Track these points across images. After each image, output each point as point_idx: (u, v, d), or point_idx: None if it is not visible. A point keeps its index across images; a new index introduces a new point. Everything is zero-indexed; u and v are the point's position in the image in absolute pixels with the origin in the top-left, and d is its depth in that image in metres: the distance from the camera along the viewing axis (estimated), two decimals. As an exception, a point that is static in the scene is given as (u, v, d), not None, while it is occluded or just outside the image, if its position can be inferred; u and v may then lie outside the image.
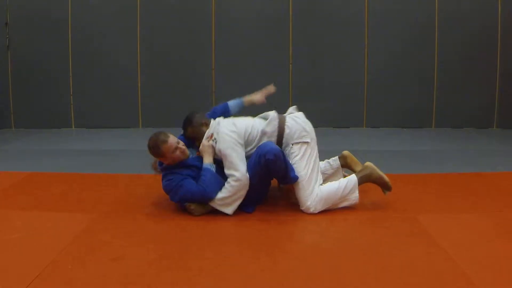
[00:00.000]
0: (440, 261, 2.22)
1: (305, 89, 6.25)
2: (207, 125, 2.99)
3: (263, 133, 2.94)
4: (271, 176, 2.89)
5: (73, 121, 6.31)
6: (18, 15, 6.13)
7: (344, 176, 3.14)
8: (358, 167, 3.17)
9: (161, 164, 2.97)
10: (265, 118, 3.05)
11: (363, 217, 2.85)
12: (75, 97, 6.26)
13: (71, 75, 6.22)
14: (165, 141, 2.83)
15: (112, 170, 3.97)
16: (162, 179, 2.92)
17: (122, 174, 3.80)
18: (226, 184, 2.80)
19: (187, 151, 2.92)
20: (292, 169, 2.85)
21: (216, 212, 2.82)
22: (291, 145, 2.93)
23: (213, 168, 2.84)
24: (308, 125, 3.03)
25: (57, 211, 2.97)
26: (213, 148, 2.87)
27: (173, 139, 2.86)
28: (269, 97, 6.39)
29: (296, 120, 3.01)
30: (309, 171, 2.88)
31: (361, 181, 2.97)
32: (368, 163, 3.03)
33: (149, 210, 2.98)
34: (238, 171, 2.76)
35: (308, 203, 2.85)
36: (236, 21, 6.24)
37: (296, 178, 2.84)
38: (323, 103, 6.27)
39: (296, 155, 2.90)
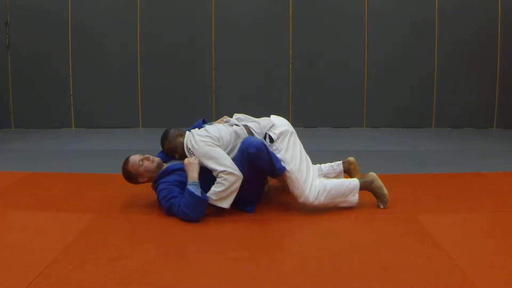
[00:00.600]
0: (440, 261, 2.22)
1: (305, 89, 6.26)
2: (182, 136, 3.01)
3: (237, 135, 2.95)
4: (259, 171, 2.87)
5: (73, 121, 6.32)
6: (18, 15, 6.14)
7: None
8: (358, 177, 3.19)
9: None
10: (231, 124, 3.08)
11: (363, 217, 2.85)
12: (75, 97, 6.26)
13: (71, 75, 6.22)
14: (127, 161, 2.91)
15: (112, 170, 3.96)
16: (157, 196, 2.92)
17: (121, 174, 3.79)
18: (218, 179, 2.77)
19: (155, 158, 2.94)
20: (278, 160, 2.82)
21: (216, 212, 2.82)
22: (269, 143, 2.92)
23: (197, 188, 2.72)
24: (268, 118, 3.06)
25: (57, 211, 2.97)
26: (198, 164, 2.83)
27: (134, 156, 2.92)
28: (270, 97, 6.42)
29: (257, 121, 3.05)
30: (298, 161, 2.87)
31: (362, 186, 2.96)
32: (371, 173, 3.02)
33: (149, 210, 2.97)
34: (226, 166, 2.75)
35: (307, 192, 2.83)
36: (236, 21, 6.25)
37: (283, 169, 2.81)
38: (323, 103, 6.27)
39: (280, 151, 2.88)
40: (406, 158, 4.53)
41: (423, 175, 3.82)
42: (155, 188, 2.92)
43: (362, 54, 6.18)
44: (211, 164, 2.79)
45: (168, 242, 2.50)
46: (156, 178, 2.91)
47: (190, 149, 2.87)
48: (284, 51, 6.20)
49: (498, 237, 2.53)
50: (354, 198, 2.94)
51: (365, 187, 2.97)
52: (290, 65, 6.23)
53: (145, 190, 3.31)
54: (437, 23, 6.09)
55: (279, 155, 2.86)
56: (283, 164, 2.83)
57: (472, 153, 4.73)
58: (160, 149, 3.13)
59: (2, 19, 6.11)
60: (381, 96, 6.23)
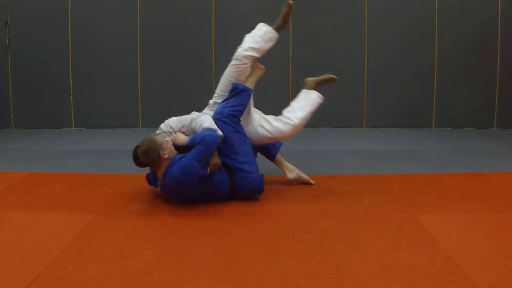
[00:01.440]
0: (440, 261, 2.22)
1: (305, 89, 6.25)
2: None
3: (191, 114, 3.36)
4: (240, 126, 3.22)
5: (73, 121, 6.31)
6: (18, 15, 6.13)
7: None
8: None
9: (149, 178, 3.13)
10: None
11: (363, 217, 2.85)
12: (75, 97, 6.26)
13: (71, 75, 6.22)
14: (156, 134, 3.09)
15: (112, 170, 3.97)
16: (167, 186, 2.92)
17: (122, 174, 3.80)
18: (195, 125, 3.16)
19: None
20: (235, 88, 3.37)
21: (216, 212, 2.82)
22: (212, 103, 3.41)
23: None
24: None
25: (57, 211, 2.97)
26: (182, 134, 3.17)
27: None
28: (270, 98, 6.41)
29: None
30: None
31: (312, 84, 3.72)
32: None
33: (148, 210, 2.98)
34: (191, 116, 3.24)
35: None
36: (236, 21, 6.24)
37: (236, 86, 3.42)
38: (322, 103, 6.26)
39: (218, 94, 3.44)
40: (406, 158, 4.53)
41: (423, 175, 3.82)
42: (163, 182, 2.92)
43: (362, 54, 6.18)
44: (181, 127, 3.21)
45: (168, 242, 2.50)
46: (164, 173, 2.92)
47: (162, 129, 3.23)
48: (284, 51, 6.20)
49: (498, 237, 2.53)
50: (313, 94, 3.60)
51: (314, 84, 3.76)
52: (290, 65, 6.22)
53: (146, 190, 3.32)
54: (437, 23, 6.09)
55: (222, 94, 3.40)
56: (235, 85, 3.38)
57: (472, 153, 4.73)
58: None
59: (2, 19, 6.11)
60: (381, 96, 6.22)
